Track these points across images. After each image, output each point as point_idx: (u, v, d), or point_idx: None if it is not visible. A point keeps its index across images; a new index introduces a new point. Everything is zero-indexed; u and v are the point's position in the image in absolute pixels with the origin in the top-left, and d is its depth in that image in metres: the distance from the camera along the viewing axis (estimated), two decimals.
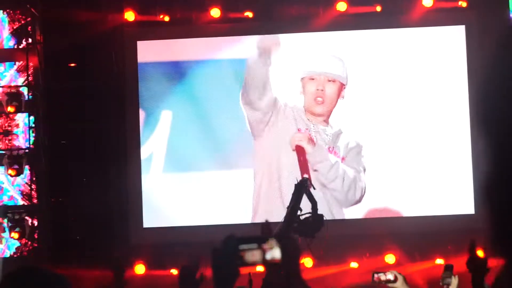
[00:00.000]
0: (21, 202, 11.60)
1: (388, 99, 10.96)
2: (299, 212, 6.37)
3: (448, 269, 5.76)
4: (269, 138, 10.93)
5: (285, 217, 6.32)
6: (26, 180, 11.55)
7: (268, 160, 10.91)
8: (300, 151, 10.73)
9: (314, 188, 6.68)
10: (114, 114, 11.25)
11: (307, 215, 6.48)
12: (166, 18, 11.21)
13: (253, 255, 3.22)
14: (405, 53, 11.02)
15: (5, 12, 11.54)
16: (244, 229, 9.98)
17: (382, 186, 10.87)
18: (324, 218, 6.57)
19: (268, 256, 3.21)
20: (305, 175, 8.48)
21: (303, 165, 10.69)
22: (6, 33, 11.62)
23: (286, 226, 6.22)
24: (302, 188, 6.58)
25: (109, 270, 9.97)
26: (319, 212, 6.63)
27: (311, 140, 10.78)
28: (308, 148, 10.75)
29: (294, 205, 6.42)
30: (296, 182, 6.73)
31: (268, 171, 10.87)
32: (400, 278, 5.62)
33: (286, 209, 6.42)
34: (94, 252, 10.82)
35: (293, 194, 6.53)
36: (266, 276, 5.50)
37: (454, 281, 5.68)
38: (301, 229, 6.34)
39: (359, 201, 10.81)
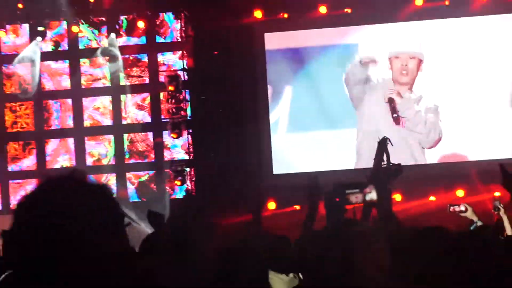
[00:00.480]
0: (182, 157, 14.63)
1: (457, 70, 13.83)
2: (382, 163, 7.66)
3: (497, 201, 7.53)
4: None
5: (373, 167, 7.49)
6: (186, 140, 14.59)
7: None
8: (391, 101, 13.88)
9: (392, 145, 7.70)
10: (248, 90, 14.10)
11: (388, 165, 7.74)
12: (285, 15, 14.39)
13: (356, 197, 4.09)
14: (471, 38, 13.94)
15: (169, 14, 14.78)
16: (348, 174, 12.38)
17: (455, 136, 13.75)
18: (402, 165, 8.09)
19: (367, 197, 4.19)
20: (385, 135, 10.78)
21: (393, 110, 13.78)
22: (168, 30, 14.87)
23: (374, 174, 7.22)
24: (383, 144, 7.78)
25: (248, 213, 10.78)
26: (404, 157, 9.12)
27: (399, 94, 13.92)
28: (397, 99, 13.91)
29: (379, 157, 7.59)
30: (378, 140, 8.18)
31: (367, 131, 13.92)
32: (469, 208, 6.58)
33: (373, 161, 7.87)
34: (237, 193, 13.11)
35: (377, 149, 7.74)
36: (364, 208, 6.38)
37: (502, 209, 7.33)
38: (386, 176, 7.52)
39: (438, 141, 13.72)
